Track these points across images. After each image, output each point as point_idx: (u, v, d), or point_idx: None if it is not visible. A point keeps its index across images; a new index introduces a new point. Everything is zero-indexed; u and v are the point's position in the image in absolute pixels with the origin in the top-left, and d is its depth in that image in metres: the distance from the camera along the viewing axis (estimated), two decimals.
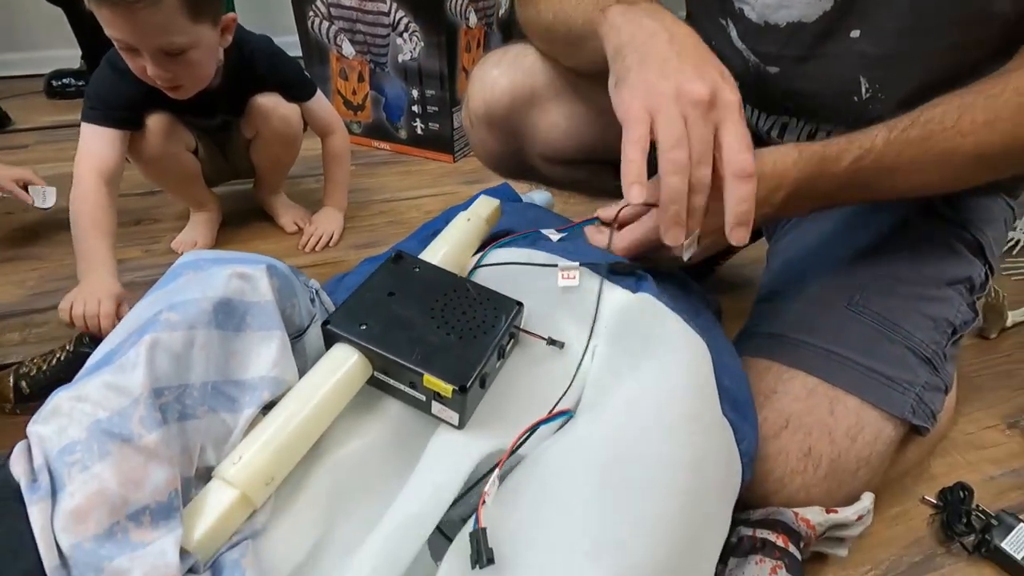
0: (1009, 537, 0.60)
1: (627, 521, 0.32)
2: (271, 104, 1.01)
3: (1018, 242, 1.16)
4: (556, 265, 0.46)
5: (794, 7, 0.57)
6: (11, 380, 0.71)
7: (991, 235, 0.65)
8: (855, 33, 0.56)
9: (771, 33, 0.60)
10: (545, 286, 0.46)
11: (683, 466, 0.35)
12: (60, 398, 0.30)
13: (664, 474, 0.35)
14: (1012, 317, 0.93)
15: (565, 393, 0.41)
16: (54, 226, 1.12)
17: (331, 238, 1.12)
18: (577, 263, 0.45)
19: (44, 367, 0.72)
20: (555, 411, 0.40)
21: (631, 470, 0.35)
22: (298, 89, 1.04)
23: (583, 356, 0.42)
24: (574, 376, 0.41)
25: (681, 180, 0.41)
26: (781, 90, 0.64)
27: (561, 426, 0.41)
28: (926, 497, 0.67)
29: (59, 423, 0.29)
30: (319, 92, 1.07)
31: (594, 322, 0.43)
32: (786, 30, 0.59)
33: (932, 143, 0.46)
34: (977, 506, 0.64)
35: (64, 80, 1.73)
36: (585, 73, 0.68)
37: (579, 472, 0.36)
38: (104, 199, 0.91)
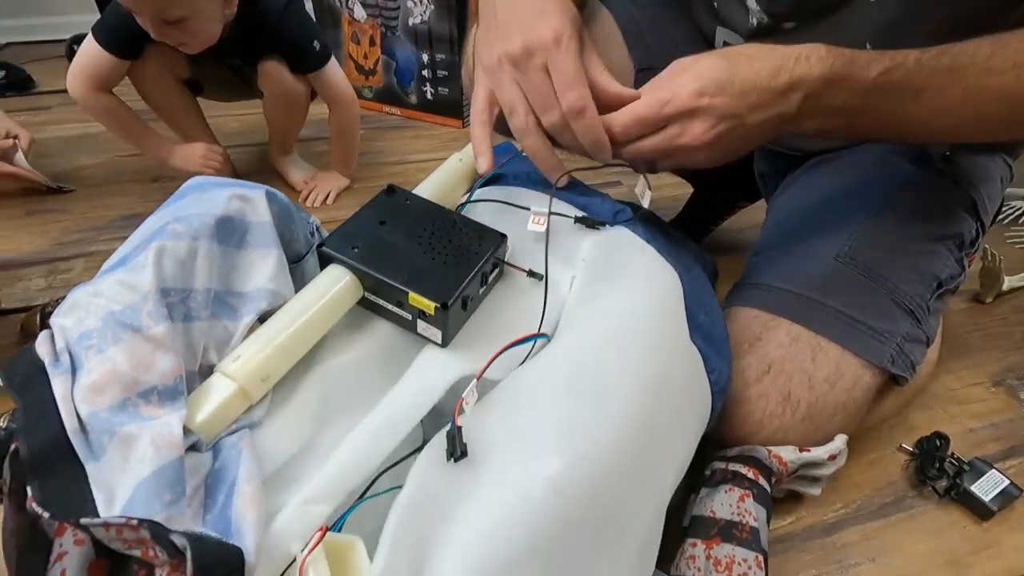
0: (979, 481, 0.63)
1: (585, 421, 0.35)
2: (275, 73, 1.02)
3: (1023, 211, 1.15)
4: (529, 209, 0.48)
5: None
6: (38, 318, 0.76)
7: (985, 193, 0.65)
8: None
9: None
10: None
11: (639, 378, 0.38)
12: (79, 294, 0.33)
13: (620, 384, 0.37)
14: (1009, 282, 0.94)
15: (543, 319, 0.44)
16: (74, 182, 1.17)
17: (327, 195, 1.15)
18: (547, 210, 0.47)
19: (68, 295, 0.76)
20: (532, 333, 0.43)
21: (591, 380, 0.38)
22: (303, 59, 1.03)
23: (546, 283, 0.45)
24: (544, 300, 0.44)
25: (533, 140, 0.48)
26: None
27: (539, 350, 0.44)
28: (903, 445, 0.69)
29: (78, 315, 0.32)
30: (331, 63, 1.05)
31: (546, 256, 0.46)
32: None
33: (961, 75, 0.44)
34: (952, 454, 0.66)
35: None
36: None
37: (547, 385, 0.39)
38: (109, 102, 1.01)
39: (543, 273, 0.46)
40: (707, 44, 0.74)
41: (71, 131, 1.37)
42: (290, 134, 1.18)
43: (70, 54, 1.75)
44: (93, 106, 1.00)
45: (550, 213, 0.47)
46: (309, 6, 1.46)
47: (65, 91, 1.60)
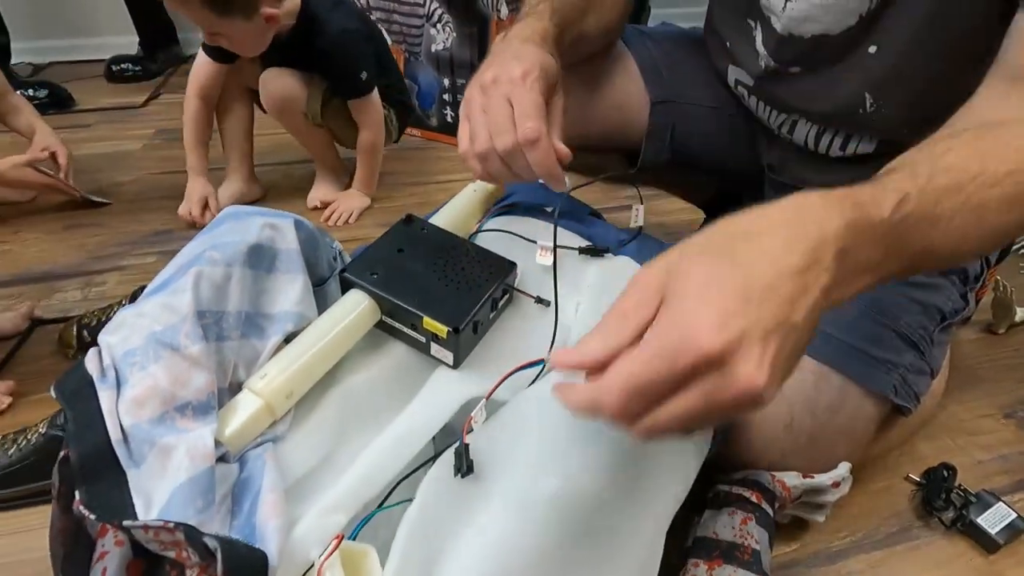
0: (986, 514, 0.63)
1: (586, 443, 0.38)
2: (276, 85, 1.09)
3: None
4: (536, 242, 0.50)
5: (820, 21, 0.58)
6: (74, 329, 0.80)
7: None
8: (872, 49, 0.57)
9: (794, 44, 0.61)
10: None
11: None
12: (125, 314, 0.37)
13: None
14: (1021, 313, 0.93)
15: (552, 344, 0.46)
16: (110, 197, 1.22)
17: (351, 215, 1.20)
18: (551, 244, 0.50)
19: (103, 318, 0.81)
20: (539, 359, 0.45)
21: None
22: (342, 86, 1.10)
23: (556, 311, 0.47)
24: (555, 329, 0.46)
25: (490, 165, 0.49)
26: (793, 94, 0.66)
27: (541, 374, 0.46)
28: (911, 475, 0.69)
29: (123, 333, 0.35)
30: (373, 95, 1.12)
31: (555, 287, 0.48)
32: (809, 42, 0.60)
33: (965, 195, 0.38)
34: (959, 485, 0.66)
35: (123, 65, 1.85)
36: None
37: (551, 407, 0.41)
38: (200, 114, 1.13)
39: (550, 300, 0.48)
40: (720, 80, 0.77)
41: (108, 148, 1.44)
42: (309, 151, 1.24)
43: (109, 74, 1.83)
44: (188, 108, 1.12)
45: (555, 247, 0.49)
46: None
47: (104, 109, 1.69)
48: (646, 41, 0.79)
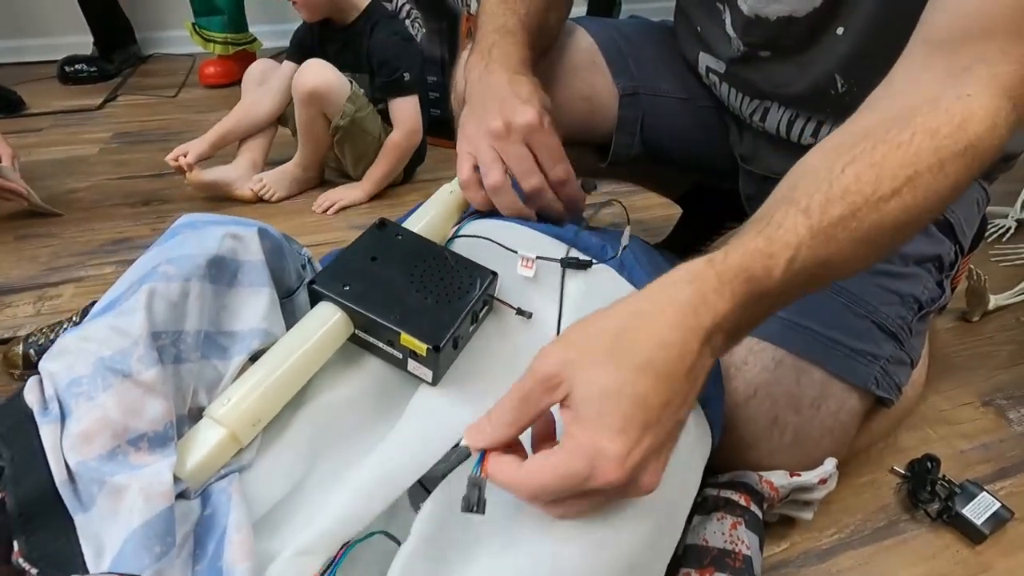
0: (971, 504, 0.63)
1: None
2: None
3: (1009, 229, 1.17)
4: (517, 252, 0.48)
5: (785, 2, 0.59)
6: (20, 348, 0.75)
7: (962, 215, 0.67)
8: (839, 31, 0.57)
9: (761, 26, 0.62)
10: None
11: None
12: (68, 339, 0.33)
13: None
14: (995, 301, 0.95)
15: None
16: (64, 205, 1.16)
17: (334, 205, 1.19)
18: (534, 255, 0.48)
19: (52, 336, 0.76)
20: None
21: None
22: (385, 83, 1.16)
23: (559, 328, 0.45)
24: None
25: (508, 196, 0.53)
26: (765, 78, 0.66)
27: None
28: (895, 468, 0.69)
29: (67, 360, 0.32)
30: (410, 98, 1.17)
31: (561, 301, 0.46)
32: (776, 24, 0.60)
33: (859, 221, 0.38)
34: (943, 476, 0.67)
35: (77, 66, 1.77)
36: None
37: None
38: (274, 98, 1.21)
39: (531, 312, 0.46)
40: (690, 70, 0.76)
41: (62, 154, 1.37)
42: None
43: (62, 75, 1.75)
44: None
45: (536, 258, 0.47)
46: None
47: (57, 113, 1.62)
48: (613, 33, 0.77)
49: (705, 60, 0.73)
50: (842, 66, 0.59)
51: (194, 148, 1.15)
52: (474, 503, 0.32)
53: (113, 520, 0.28)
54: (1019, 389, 0.82)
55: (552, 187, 0.54)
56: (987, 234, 1.16)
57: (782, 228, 0.37)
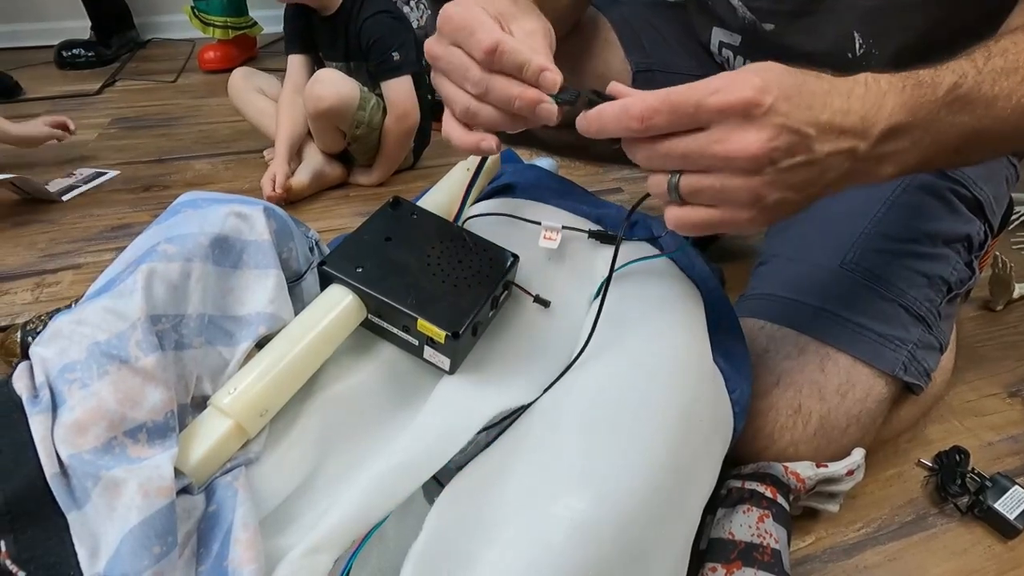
0: (1003, 498, 0.60)
1: (613, 453, 0.33)
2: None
3: None
4: (540, 223, 0.45)
5: None
6: (18, 336, 0.73)
7: (991, 193, 0.64)
8: None
9: None
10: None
11: (669, 407, 0.36)
12: (61, 322, 0.31)
13: (650, 415, 0.35)
14: (1019, 289, 0.92)
15: (584, 348, 0.40)
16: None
17: (274, 176, 1.10)
18: (559, 225, 0.45)
19: (49, 323, 0.73)
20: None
21: (618, 411, 0.35)
22: (375, 64, 1.12)
23: (596, 318, 0.41)
24: (593, 326, 0.40)
25: (475, 117, 0.40)
26: (776, 48, 0.63)
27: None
28: (922, 460, 0.67)
29: (60, 345, 0.30)
30: (401, 79, 1.12)
31: (606, 290, 0.41)
32: None
33: (1020, 73, 0.39)
34: (973, 469, 0.64)
35: (74, 51, 1.74)
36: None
37: (570, 417, 0.36)
38: (298, 107, 1.15)
39: (549, 300, 0.43)
40: (703, 48, 0.73)
41: None
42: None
43: (59, 60, 1.72)
44: (285, 103, 1.16)
45: (562, 228, 0.44)
46: None
47: (54, 98, 1.59)
48: (622, 9, 0.75)
49: (718, 35, 0.70)
50: (860, 21, 0.56)
51: (279, 172, 1.10)
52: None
53: (109, 518, 0.26)
54: None
55: (487, 66, 0.38)
56: (1012, 217, 1.12)
57: (948, 67, 0.39)
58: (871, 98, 0.36)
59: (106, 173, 1.18)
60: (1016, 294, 0.91)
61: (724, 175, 0.34)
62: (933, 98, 0.38)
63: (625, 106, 0.34)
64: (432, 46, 0.41)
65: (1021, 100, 0.39)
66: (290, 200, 1.12)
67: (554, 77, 0.37)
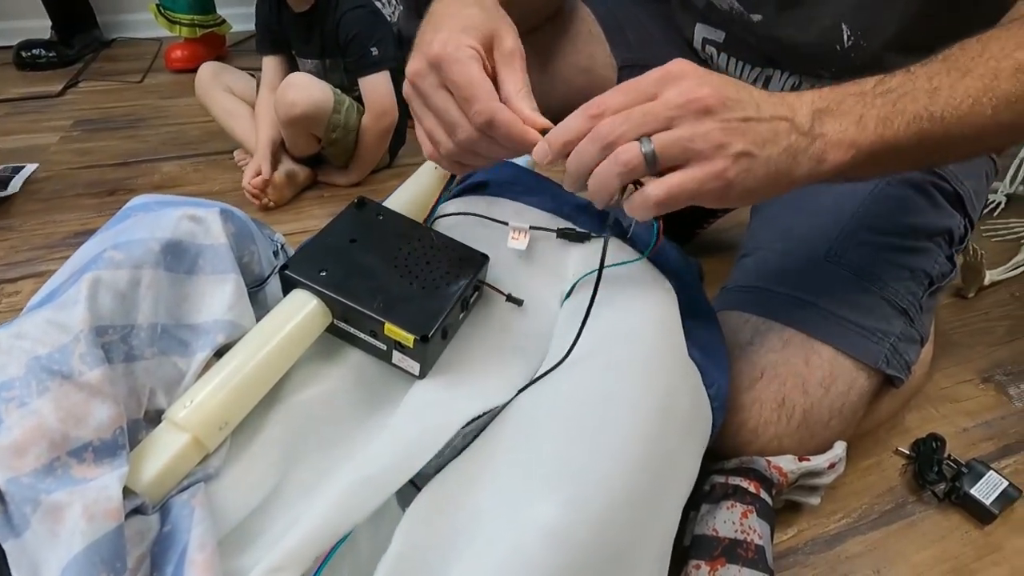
0: (978, 484, 0.61)
1: (586, 454, 0.32)
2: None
3: (999, 204, 1.16)
4: (507, 223, 0.44)
5: None
6: None
7: (971, 187, 0.64)
8: None
9: None
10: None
11: (644, 404, 0.35)
12: None
13: (626, 414, 0.34)
14: (990, 276, 0.93)
15: (570, 352, 0.39)
16: (22, 197, 1.10)
17: (258, 169, 1.09)
18: (527, 225, 0.43)
19: None
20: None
21: (592, 411, 0.34)
22: (353, 60, 1.09)
23: (584, 321, 0.40)
24: (581, 327, 0.39)
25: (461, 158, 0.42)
26: (764, 40, 0.63)
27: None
28: (899, 448, 0.67)
29: None
30: (379, 75, 1.10)
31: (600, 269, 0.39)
32: None
33: (965, 69, 0.39)
34: (949, 455, 0.65)
35: (34, 51, 1.67)
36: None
37: (545, 415, 0.35)
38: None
39: (522, 299, 0.42)
40: (688, 44, 0.73)
41: (19, 143, 1.29)
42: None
43: (18, 60, 1.66)
44: (263, 104, 1.14)
45: (529, 228, 0.43)
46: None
47: (13, 100, 1.53)
48: (609, 4, 0.74)
49: (702, 31, 0.70)
50: (848, 12, 0.56)
51: (262, 166, 1.07)
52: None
53: (52, 545, 0.24)
54: (1018, 365, 0.81)
55: (481, 135, 0.39)
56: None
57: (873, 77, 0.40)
58: (790, 96, 0.39)
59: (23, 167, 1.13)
60: (987, 281, 0.93)
61: (687, 124, 0.35)
62: (858, 91, 0.39)
63: (582, 108, 0.38)
64: (418, 79, 0.40)
65: (967, 99, 0.39)
66: (278, 205, 1.11)
67: (545, 150, 0.38)
